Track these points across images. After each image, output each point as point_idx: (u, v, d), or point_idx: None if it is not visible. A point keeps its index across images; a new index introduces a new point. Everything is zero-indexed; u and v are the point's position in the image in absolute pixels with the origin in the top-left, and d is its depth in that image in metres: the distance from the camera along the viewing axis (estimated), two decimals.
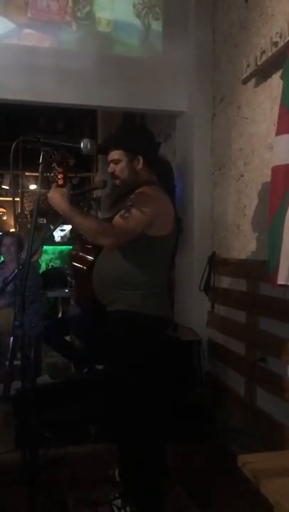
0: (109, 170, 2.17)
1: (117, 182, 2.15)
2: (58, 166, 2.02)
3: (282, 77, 2.27)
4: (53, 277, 5.57)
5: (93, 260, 2.22)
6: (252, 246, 2.91)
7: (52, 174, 2.06)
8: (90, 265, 2.21)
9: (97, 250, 2.18)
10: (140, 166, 2.14)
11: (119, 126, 5.18)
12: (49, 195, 2.01)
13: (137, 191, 2.06)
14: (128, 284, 2.04)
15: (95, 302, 2.24)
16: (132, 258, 2.04)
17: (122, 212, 1.98)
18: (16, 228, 3.83)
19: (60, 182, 2.01)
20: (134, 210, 1.96)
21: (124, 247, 2.03)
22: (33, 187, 8.56)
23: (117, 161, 2.14)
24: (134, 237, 1.99)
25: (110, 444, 2.63)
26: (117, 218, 1.98)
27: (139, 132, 2.49)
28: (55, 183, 2.05)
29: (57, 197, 1.99)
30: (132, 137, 2.27)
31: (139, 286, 2.05)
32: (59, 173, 2.02)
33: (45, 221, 7.05)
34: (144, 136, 2.34)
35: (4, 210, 8.85)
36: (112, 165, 2.16)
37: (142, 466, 2.08)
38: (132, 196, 2.04)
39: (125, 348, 2.04)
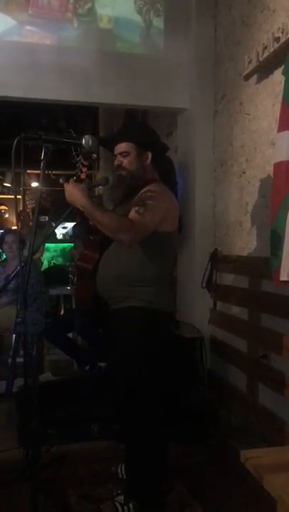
0: (117, 162, 2.16)
1: (124, 173, 2.13)
2: (85, 160, 2.00)
3: (284, 73, 2.26)
4: (55, 275, 5.57)
5: (98, 258, 2.20)
6: (254, 243, 2.91)
7: (76, 167, 2.03)
8: (95, 264, 2.20)
9: (102, 248, 2.16)
10: (148, 161, 2.14)
11: (126, 121, 5.14)
12: (68, 190, 1.99)
13: (145, 189, 2.06)
14: (140, 281, 2.04)
15: (96, 300, 2.24)
16: (143, 254, 2.04)
17: (136, 208, 1.98)
18: (17, 226, 3.82)
19: (83, 176, 2.00)
20: (148, 207, 1.97)
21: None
22: (34, 185, 8.57)
23: (126, 154, 2.13)
24: (150, 233, 2.00)
25: (112, 441, 2.64)
26: (133, 214, 1.97)
27: (148, 129, 2.49)
28: (71, 179, 2.04)
29: (76, 192, 1.96)
30: (143, 132, 2.27)
31: (150, 282, 2.06)
32: (83, 166, 2.01)
33: (47, 219, 7.05)
34: (153, 133, 2.34)
35: (6, 208, 8.86)
36: (119, 157, 2.15)
37: (145, 462, 2.09)
38: (142, 194, 2.04)
39: (140, 345, 2.03)
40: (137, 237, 1.97)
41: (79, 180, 2.00)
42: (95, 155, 1.98)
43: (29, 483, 1.86)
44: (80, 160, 1.98)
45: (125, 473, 2.27)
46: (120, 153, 2.14)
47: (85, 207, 1.96)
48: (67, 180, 2.06)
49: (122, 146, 2.14)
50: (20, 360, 3.49)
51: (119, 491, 2.17)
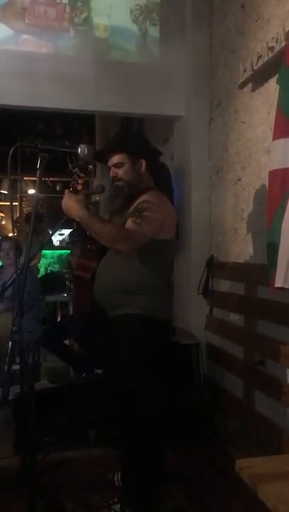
0: (112, 174, 2.17)
1: (120, 184, 2.14)
2: (81, 171, 2.02)
3: (278, 82, 2.29)
4: (52, 282, 5.57)
5: (96, 267, 2.21)
6: (250, 249, 2.92)
7: (72, 178, 2.04)
8: (93, 272, 2.20)
9: (99, 256, 2.17)
10: (143, 168, 2.15)
11: (116, 132, 5.19)
12: (64, 202, 2.00)
13: (142, 199, 2.06)
14: (138, 288, 2.05)
15: (94, 307, 2.25)
16: (140, 262, 2.05)
17: (133, 218, 1.99)
18: (14, 233, 3.82)
19: (80, 187, 2.01)
20: (145, 216, 1.98)
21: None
22: (31, 191, 8.57)
23: (120, 165, 2.14)
24: (147, 242, 2.01)
25: (109, 448, 2.64)
26: (130, 224, 1.99)
27: (138, 136, 2.51)
28: (67, 190, 2.04)
29: (73, 204, 1.98)
30: (133, 141, 2.28)
31: (148, 289, 2.06)
32: (80, 177, 2.02)
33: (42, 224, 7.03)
34: (144, 139, 2.36)
35: (3, 215, 8.87)
36: (114, 169, 2.16)
37: (141, 469, 2.08)
38: (139, 204, 2.05)
39: (137, 352, 2.04)
40: (135, 246, 1.98)
41: (75, 191, 2.00)
42: (91, 166, 1.99)
43: (26, 491, 1.85)
44: (76, 172, 1.99)
45: (122, 481, 2.27)
46: (114, 165, 2.15)
47: (83, 218, 1.97)
48: (63, 191, 2.06)
49: (115, 158, 2.14)
50: (16, 367, 3.48)
51: (115, 499, 2.17)
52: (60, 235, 7.58)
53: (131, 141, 2.27)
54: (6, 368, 3.54)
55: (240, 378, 2.94)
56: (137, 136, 2.51)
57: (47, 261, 7.28)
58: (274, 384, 2.52)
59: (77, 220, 1.99)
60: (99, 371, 3.68)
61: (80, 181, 1.89)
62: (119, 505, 2.14)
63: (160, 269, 2.13)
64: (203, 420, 2.91)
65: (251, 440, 2.66)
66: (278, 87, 2.27)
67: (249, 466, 1.50)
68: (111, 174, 2.17)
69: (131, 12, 3.51)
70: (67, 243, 7.28)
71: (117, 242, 1.97)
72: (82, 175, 1.88)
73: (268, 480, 1.40)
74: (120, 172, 2.14)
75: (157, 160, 2.41)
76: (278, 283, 2.11)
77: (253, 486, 1.40)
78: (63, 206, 2.00)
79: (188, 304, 3.61)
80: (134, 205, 2.06)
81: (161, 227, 2.05)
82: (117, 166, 2.14)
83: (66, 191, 2.04)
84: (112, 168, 2.16)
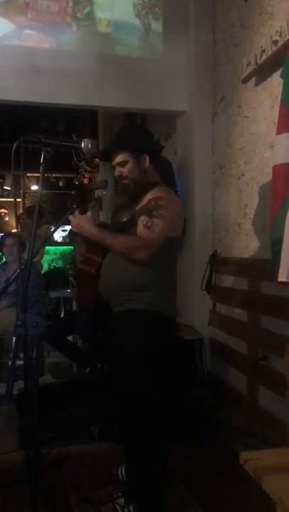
0: (117, 173, 2.16)
1: (126, 181, 2.14)
2: (87, 165, 2.03)
3: (282, 76, 2.28)
4: (55, 277, 5.58)
5: (101, 262, 2.21)
6: (253, 245, 2.92)
7: (79, 172, 2.05)
8: (99, 267, 2.20)
9: (104, 251, 2.17)
10: (147, 164, 2.14)
11: (118, 129, 5.20)
12: (74, 223, 2.07)
13: (152, 196, 2.05)
14: (142, 285, 2.05)
15: (97, 302, 2.25)
16: None
17: (144, 221, 1.99)
18: (17, 229, 3.82)
19: (87, 181, 2.03)
20: (156, 219, 1.98)
21: None
22: (34, 188, 8.57)
23: (123, 163, 2.13)
24: (160, 243, 2.01)
25: (113, 443, 2.64)
26: (142, 229, 1.99)
27: (140, 132, 2.50)
28: (78, 211, 2.09)
29: (84, 223, 2.05)
30: (135, 137, 2.27)
31: (152, 285, 2.06)
32: (86, 171, 2.04)
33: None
34: (146, 134, 2.35)
35: (6, 211, 8.88)
36: (118, 168, 2.15)
37: (145, 464, 2.09)
38: (150, 202, 2.04)
39: (141, 347, 2.04)
40: (150, 253, 2.00)
41: (81, 186, 2.01)
42: (98, 160, 1.99)
43: (30, 486, 1.86)
44: (82, 165, 2.00)
45: (126, 475, 2.28)
46: (118, 164, 2.15)
47: (95, 235, 2.03)
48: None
49: (118, 157, 2.14)
50: (20, 362, 3.49)
51: (119, 494, 2.17)
52: (63, 231, 7.59)
53: (132, 138, 2.25)
54: (10, 363, 3.56)
55: (244, 374, 2.94)
56: (138, 132, 2.50)
57: (50, 257, 7.29)
58: (277, 379, 2.52)
59: (91, 238, 2.06)
60: (104, 366, 3.69)
61: (86, 175, 1.88)
62: (123, 499, 2.14)
63: (166, 266, 2.13)
64: (206, 416, 2.91)
65: (255, 435, 2.66)
66: (282, 81, 2.26)
67: (253, 459, 1.50)
68: (116, 173, 2.17)
69: (134, 7, 3.49)
70: (70, 239, 7.28)
71: (131, 253, 2.01)
72: (88, 169, 1.87)
73: (272, 472, 1.40)
74: (125, 170, 2.13)
75: (160, 154, 2.40)
76: (282, 277, 2.11)
77: (258, 478, 1.41)
78: (75, 227, 2.08)
79: (191, 300, 3.61)
80: (144, 202, 2.05)
81: (172, 225, 2.05)
82: (121, 164, 2.13)
83: (76, 212, 2.08)
84: (117, 167, 2.15)
